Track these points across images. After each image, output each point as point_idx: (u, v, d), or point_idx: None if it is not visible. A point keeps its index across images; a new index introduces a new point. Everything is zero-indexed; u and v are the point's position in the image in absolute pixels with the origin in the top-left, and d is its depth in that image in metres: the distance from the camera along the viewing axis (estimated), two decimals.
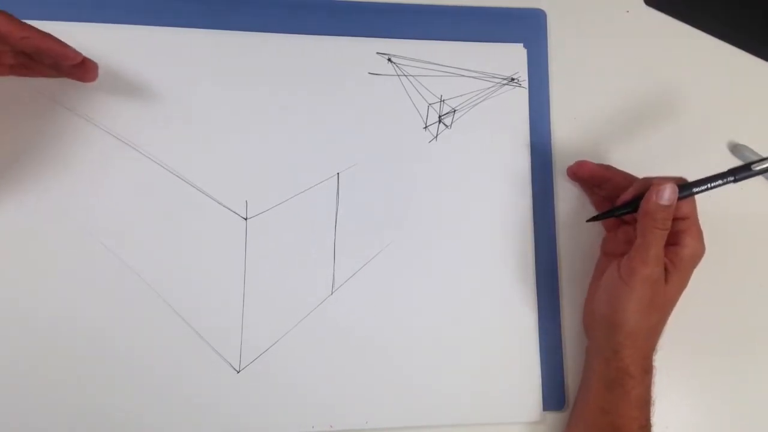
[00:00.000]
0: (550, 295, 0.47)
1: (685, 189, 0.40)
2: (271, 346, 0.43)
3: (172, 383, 0.42)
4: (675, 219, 0.40)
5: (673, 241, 0.40)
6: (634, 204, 0.41)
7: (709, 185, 0.41)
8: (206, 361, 0.42)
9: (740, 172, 0.40)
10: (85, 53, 0.46)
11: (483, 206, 0.47)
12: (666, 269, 0.40)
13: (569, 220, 0.48)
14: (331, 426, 0.43)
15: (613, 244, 0.45)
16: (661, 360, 0.47)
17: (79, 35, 0.46)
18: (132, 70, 0.46)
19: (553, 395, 0.45)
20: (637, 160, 0.50)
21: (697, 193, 0.41)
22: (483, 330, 0.45)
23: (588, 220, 0.45)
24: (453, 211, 0.47)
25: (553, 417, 0.45)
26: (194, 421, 0.42)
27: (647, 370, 0.40)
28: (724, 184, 0.41)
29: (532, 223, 0.47)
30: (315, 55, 0.48)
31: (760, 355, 0.48)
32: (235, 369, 0.42)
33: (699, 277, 0.48)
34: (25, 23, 0.37)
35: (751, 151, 0.50)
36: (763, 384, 0.47)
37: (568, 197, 0.49)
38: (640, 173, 0.50)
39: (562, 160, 0.49)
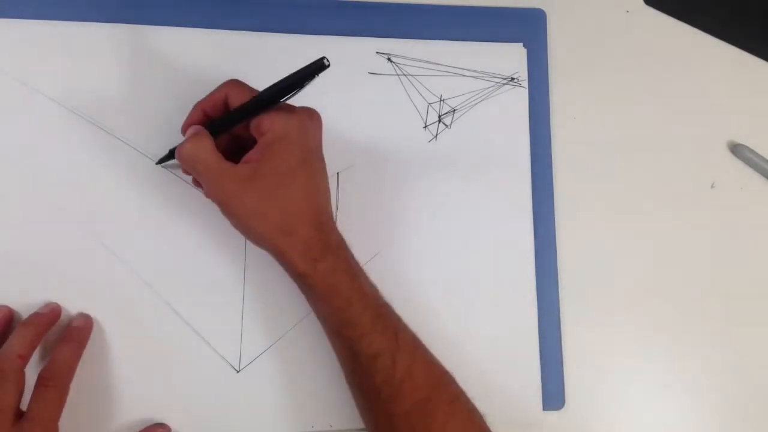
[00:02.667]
0: (550, 294, 0.47)
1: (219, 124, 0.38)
2: (271, 346, 0.43)
3: (172, 383, 0.42)
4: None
5: (258, 135, 0.38)
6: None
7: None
8: (206, 361, 0.42)
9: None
10: (85, 53, 0.46)
11: (482, 205, 0.47)
12: (255, 165, 0.36)
13: (569, 219, 0.48)
14: (330, 426, 0.43)
15: None
16: (661, 360, 0.47)
17: (78, 35, 0.46)
18: (132, 70, 0.46)
19: (553, 395, 0.45)
20: (637, 160, 0.50)
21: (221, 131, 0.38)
22: (483, 330, 0.45)
23: (157, 163, 0.43)
24: (452, 210, 0.47)
25: (553, 417, 0.45)
26: (194, 421, 0.41)
27: (316, 260, 0.37)
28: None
29: (532, 223, 0.47)
30: (315, 55, 0.48)
31: (760, 355, 0.48)
32: (235, 369, 0.42)
33: (700, 276, 0.48)
34: None
35: (751, 151, 0.50)
36: (763, 383, 0.47)
37: (568, 197, 0.49)
38: (640, 173, 0.50)
39: (562, 160, 0.49)
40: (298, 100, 0.38)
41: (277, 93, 0.37)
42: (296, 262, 0.37)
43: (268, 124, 0.37)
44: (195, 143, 0.37)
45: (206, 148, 0.37)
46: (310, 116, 0.39)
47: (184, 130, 0.40)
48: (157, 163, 0.44)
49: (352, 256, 0.39)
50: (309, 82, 0.36)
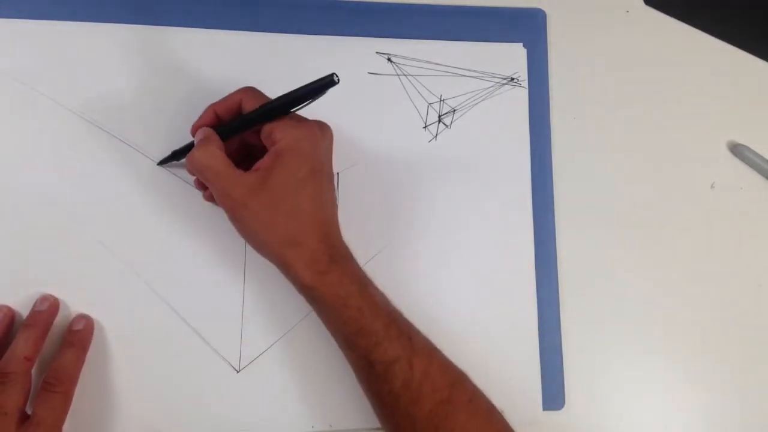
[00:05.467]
0: (550, 294, 0.47)
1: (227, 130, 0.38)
2: (271, 346, 0.43)
3: (172, 383, 0.42)
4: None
5: (269, 143, 0.38)
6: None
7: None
8: (206, 361, 0.42)
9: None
10: (85, 53, 0.46)
11: (482, 206, 0.47)
12: (265, 173, 0.36)
13: (569, 219, 0.48)
14: (330, 426, 0.43)
15: None
16: (661, 360, 0.47)
17: (78, 35, 0.46)
18: (132, 70, 0.46)
19: (553, 395, 0.45)
20: (637, 161, 0.50)
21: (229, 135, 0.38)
22: (483, 330, 0.45)
23: (159, 163, 0.43)
24: (453, 210, 0.47)
25: (553, 417, 0.45)
26: (194, 421, 0.41)
27: (322, 272, 0.36)
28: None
29: (532, 223, 0.47)
30: (315, 55, 0.48)
31: (760, 355, 0.48)
32: (235, 369, 0.42)
33: (700, 276, 0.48)
34: None
35: (751, 151, 0.50)
36: (763, 383, 0.47)
37: (567, 196, 0.49)
38: (640, 173, 0.50)
39: (562, 160, 0.49)
40: (305, 109, 0.38)
41: (289, 103, 0.37)
42: (302, 274, 0.36)
43: (279, 133, 0.37)
44: (205, 150, 0.37)
45: (216, 154, 0.37)
46: (322, 129, 0.39)
47: (194, 131, 0.40)
48: (159, 164, 0.44)
49: (358, 266, 0.39)
50: (319, 96, 0.36)
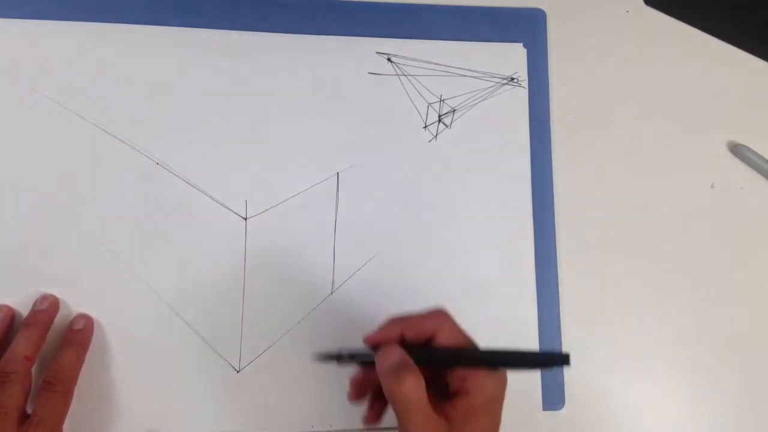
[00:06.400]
0: (550, 295, 0.47)
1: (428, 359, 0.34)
2: (271, 346, 0.43)
3: (172, 383, 0.42)
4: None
5: (458, 388, 0.33)
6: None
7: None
8: (206, 361, 0.42)
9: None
10: (85, 53, 0.46)
11: (482, 206, 0.47)
12: (452, 426, 0.32)
13: (569, 220, 0.48)
14: (330, 426, 0.43)
15: None
16: (661, 360, 0.47)
17: (78, 35, 0.46)
18: (132, 70, 0.46)
19: (553, 395, 0.45)
20: (637, 161, 0.50)
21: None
22: (483, 330, 0.45)
23: (316, 360, 0.36)
24: (453, 210, 0.47)
25: (552, 417, 0.45)
26: (194, 420, 0.41)
27: None
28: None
29: (532, 223, 0.47)
30: (315, 55, 0.48)
31: (760, 355, 0.48)
32: (235, 369, 0.42)
33: (700, 276, 0.48)
34: None
35: (751, 151, 0.50)
36: (764, 383, 0.47)
37: (568, 196, 0.49)
38: (640, 173, 0.50)
39: (561, 160, 0.49)
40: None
41: (504, 361, 0.34)
42: None
43: (477, 386, 0.33)
44: (416, 384, 0.32)
45: (421, 389, 0.32)
46: (506, 381, 0.34)
47: (373, 342, 0.35)
48: (317, 360, 0.36)
49: None
50: (543, 369, 0.34)
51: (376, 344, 0.35)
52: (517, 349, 0.34)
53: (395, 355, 0.33)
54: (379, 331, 0.35)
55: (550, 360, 0.34)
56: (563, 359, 0.33)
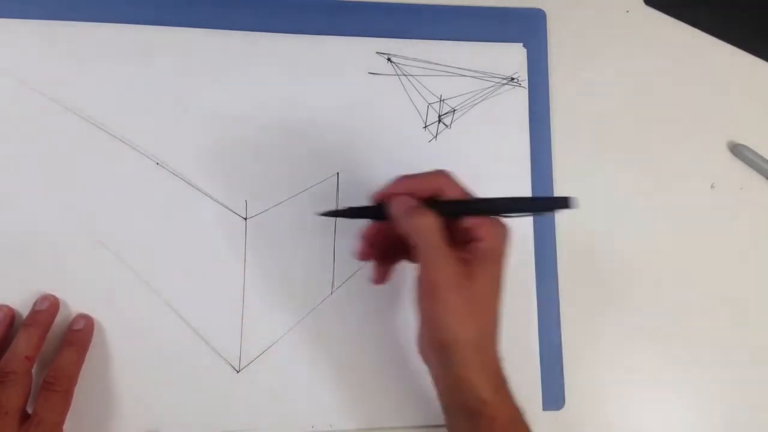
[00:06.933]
0: (550, 295, 0.47)
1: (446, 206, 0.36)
2: (271, 346, 0.43)
3: (172, 383, 0.42)
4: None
5: (469, 237, 0.35)
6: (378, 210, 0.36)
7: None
8: (206, 361, 0.42)
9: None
10: (84, 53, 0.46)
11: None
12: (468, 268, 0.34)
13: (569, 219, 0.48)
14: (330, 426, 0.43)
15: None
16: (661, 360, 0.47)
17: (78, 35, 0.46)
18: (132, 70, 0.46)
19: (553, 395, 0.45)
20: (637, 161, 0.50)
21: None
22: None
23: (320, 214, 0.39)
24: None
25: (552, 417, 0.45)
26: (194, 420, 0.42)
27: (499, 386, 0.35)
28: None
29: (532, 223, 0.47)
30: (315, 55, 0.48)
31: (761, 355, 0.48)
32: (235, 369, 0.42)
33: (700, 277, 0.48)
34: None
35: (751, 151, 0.50)
36: (763, 383, 0.47)
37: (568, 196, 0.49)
38: (641, 173, 0.50)
39: (561, 160, 0.49)
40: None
41: (511, 207, 0.36)
42: (482, 386, 0.33)
43: (485, 232, 0.35)
44: (434, 219, 0.34)
45: (439, 225, 0.34)
46: (510, 235, 0.36)
47: (380, 198, 0.37)
48: (320, 215, 0.40)
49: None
50: (546, 214, 0.35)
51: (383, 199, 0.37)
52: (520, 196, 0.35)
53: (409, 200, 0.35)
54: (388, 188, 0.37)
55: (553, 203, 0.34)
56: (565, 202, 0.34)
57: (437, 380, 0.36)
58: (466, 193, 0.37)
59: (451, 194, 0.36)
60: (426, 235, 0.34)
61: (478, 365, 0.34)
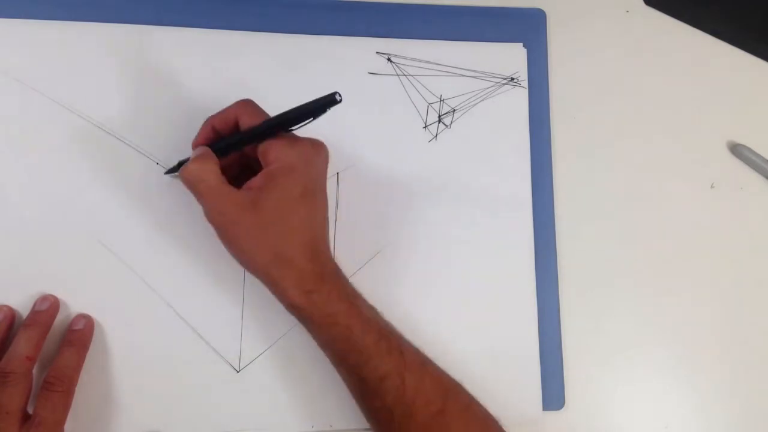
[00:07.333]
0: (550, 294, 0.47)
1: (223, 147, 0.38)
2: (271, 346, 0.43)
3: (172, 383, 0.42)
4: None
5: (263, 164, 0.38)
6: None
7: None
8: (206, 361, 0.42)
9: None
10: (85, 53, 0.46)
11: (482, 205, 0.47)
12: (255, 194, 0.36)
13: (569, 219, 0.48)
14: (330, 426, 0.43)
15: None
16: (661, 360, 0.47)
17: (78, 35, 0.46)
18: (132, 70, 0.46)
19: (553, 395, 0.45)
20: (637, 161, 0.50)
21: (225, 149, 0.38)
22: (483, 330, 0.45)
23: (166, 173, 0.43)
24: (452, 210, 0.47)
25: (552, 417, 0.45)
26: (194, 420, 0.42)
27: (310, 291, 0.36)
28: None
29: (532, 223, 0.47)
30: (315, 55, 0.48)
31: (760, 355, 0.48)
32: (235, 369, 0.42)
33: (700, 277, 0.48)
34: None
35: (751, 151, 0.50)
36: (763, 383, 0.47)
37: (568, 197, 0.49)
38: (641, 173, 0.50)
39: (562, 160, 0.49)
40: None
41: (287, 121, 0.37)
42: (290, 293, 0.36)
43: (274, 153, 0.37)
44: (200, 165, 0.37)
45: (210, 170, 0.36)
46: (316, 148, 0.39)
47: (194, 147, 0.40)
48: (166, 173, 0.43)
49: (347, 283, 0.39)
50: (320, 114, 0.37)
51: (197, 146, 0.39)
52: (294, 108, 0.37)
53: (196, 150, 0.38)
54: (197, 135, 0.40)
55: (321, 104, 0.36)
56: (331, 99, 0.36)
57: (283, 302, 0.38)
58: (264, 115, 0.38)
59: (247, 121, 0.38)
60: (194, 180, 0.36)
61: (283, 277, 0.36)
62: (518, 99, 0.50)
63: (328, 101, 0.36)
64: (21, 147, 0.44)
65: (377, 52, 0.49)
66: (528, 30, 0.51)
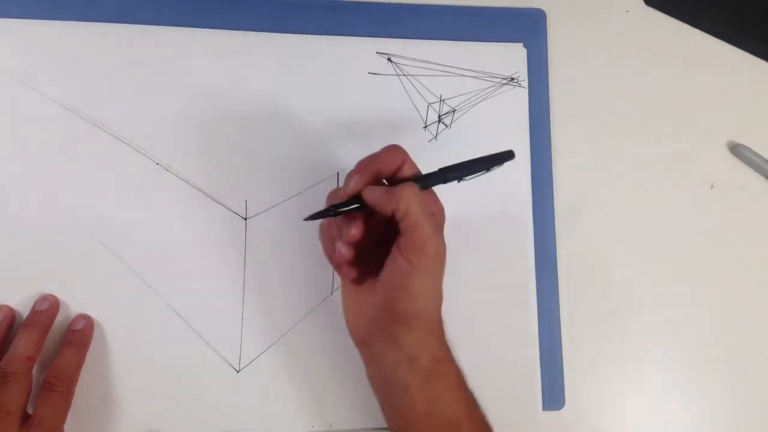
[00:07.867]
0: (550, 294, 0.47)
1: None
2: (271, 346, 0.43)
3: (172, 383, 0.42)
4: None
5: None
6: (358, 200, 0.36)
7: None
8: (206, 361, 0.42)
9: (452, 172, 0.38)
10: (85, 53, 0.46)
11: (482, 205, 0.47)
12: (400, 256, 0.35)
13: (569, 219, 0.48)
14: (330, 426, 0.43)
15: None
16: (661, 360, 0.47)
17: (78, 35, 0.46)
18: (132, 70, 0.46)
19: (553, 395, 0.45)
20: (637, 161, 0.50)
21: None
22: (482, 330, 0.45)
23: (307, 219, 0.37)
24: (452, 210, 0.47)
25: (552, 417, 0.45)
26: (194, 420, 0.42)
27: (449, 348, 0.37)
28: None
29: (532, 223, 0.47)
30: (315, 55, 0.48)
31: (760, 355, 0.48)
32: (235, 369, 0.42)
33: (699, 277, 0.48)
34: None
35: (751, 151, 0.50)
36: (762, 383, 0.47)
37: (568, 196, 0.49)
38: (641, 173, 0.50)
39: (561, 160, 0.49)
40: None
41: (463, 171, 0.38)
42: (437, 345, 0.36)
43: (427, 234, 0.35)
44: (413, 187, 0.36)
45: (418, 191, 0.36)
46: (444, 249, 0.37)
47: (353, 192, 0.36)
48: (306, 219, 0.38)
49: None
50: (496, 167, 0.38)
51: (356, 193, 0.36)
52: (469, 159, 0.38)
53: (381, 186, 0.36)
54: (357, 181, 0.36)
55: (497, 158, 0.38)
56: (507, 156, 0.38)
57: (383, 358, 0.36)
58: (418, 168, 0.38)
59: (409, 169, 0.38)
60: (412, 199, 0.35)
61: (436, 333, 0.36)
62: (518, 99, 0.50)
63: (506, 158, 0.38)
64: (21, 147, 0.44)
65: (377, 52, 0.49)
66: (528, 30, 0.51)
